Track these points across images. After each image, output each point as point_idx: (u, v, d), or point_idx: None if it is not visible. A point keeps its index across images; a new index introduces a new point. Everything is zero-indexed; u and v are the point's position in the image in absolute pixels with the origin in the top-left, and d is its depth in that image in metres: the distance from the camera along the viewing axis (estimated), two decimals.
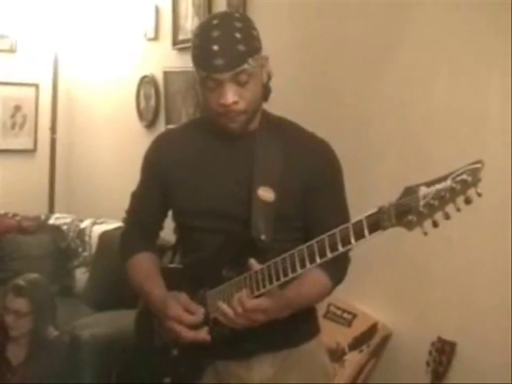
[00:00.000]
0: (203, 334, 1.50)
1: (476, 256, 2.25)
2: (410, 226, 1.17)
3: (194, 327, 1.50)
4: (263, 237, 1.46)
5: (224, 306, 1.40)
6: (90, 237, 4.18)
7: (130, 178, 1.76)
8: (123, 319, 2.81)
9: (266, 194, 1.47)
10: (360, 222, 1.24)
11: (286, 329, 1.49)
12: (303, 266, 1.30)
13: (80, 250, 4.18)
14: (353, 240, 1.24)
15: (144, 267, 1.67)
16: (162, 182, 1.65)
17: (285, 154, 1.54)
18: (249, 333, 1.48)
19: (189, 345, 1.54)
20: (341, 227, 1.28)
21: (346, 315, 2.62)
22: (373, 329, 2.58)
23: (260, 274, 1.38)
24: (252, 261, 1.38)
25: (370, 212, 1.25)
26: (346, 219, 1.45)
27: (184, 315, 1.50)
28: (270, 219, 1.48)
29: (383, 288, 2.53)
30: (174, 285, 1.60)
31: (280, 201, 1.50)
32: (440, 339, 2.39)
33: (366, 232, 1.23)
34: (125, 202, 1.77)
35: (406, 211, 1.17)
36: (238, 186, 1.54)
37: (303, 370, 1.65)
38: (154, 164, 1.67)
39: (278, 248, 1.44)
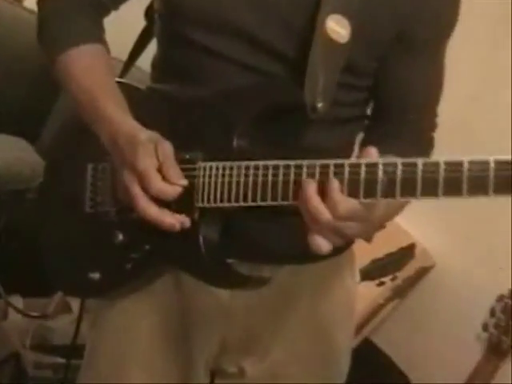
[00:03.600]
0: (173, 218, 1.28)
1: None
2: None
3: (161, 203, 1.29)
4: (320, 105, 1.30)
5: (315, 201, 1.15)
6: None
7: None
8: None
9: (337, 28, 1.31)
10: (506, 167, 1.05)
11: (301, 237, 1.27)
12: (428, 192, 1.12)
13: None
14: (492, 192, 1.05)
15: (98, 71, 1.43)
16: None
17: None
18: (244, 243, 1.36)
19: (145, 233, 1.34)
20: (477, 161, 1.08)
21: None
22: (406, 253, 2.40)
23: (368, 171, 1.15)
24: (373, 150, 1.15)
25: None
26: (438, 97, 1.43)
27: (156, 177, 1.27)
28: (334, 73, 1.32)
29: (439, 203, 2.21)
30: (136, 119, 1.35)
31: (356, 43, 1.33)
32: None
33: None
34: None
35: None
36: (292, 7, 1.34)
37: (313, 300, 1.49)
38: None
39: (330, 118, 1.33)
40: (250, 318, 1.46)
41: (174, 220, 1.28)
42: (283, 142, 1.32)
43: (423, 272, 2.46)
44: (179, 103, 1.41)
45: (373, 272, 2.39)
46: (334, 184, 1.13)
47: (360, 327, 2.36)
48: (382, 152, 1.16)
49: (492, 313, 2.19)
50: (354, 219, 1.17)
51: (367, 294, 2.36)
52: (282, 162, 1.20)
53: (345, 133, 1.40)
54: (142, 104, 1.42)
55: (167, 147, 1.28)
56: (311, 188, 1.15)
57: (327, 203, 1.14)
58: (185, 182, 1.27)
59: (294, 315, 1.48)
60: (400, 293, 2.46)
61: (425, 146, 1.45)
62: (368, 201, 1.14)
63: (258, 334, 1.47)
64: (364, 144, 1.41)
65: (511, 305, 2.16)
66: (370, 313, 2.40)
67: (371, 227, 1.29)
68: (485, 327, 2.20)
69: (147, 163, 1.26)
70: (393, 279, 2.40)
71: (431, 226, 2.46)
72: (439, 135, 1.43)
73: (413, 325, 2.53)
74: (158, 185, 1.26)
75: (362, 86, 1.42)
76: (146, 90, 1.47)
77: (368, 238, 1.41)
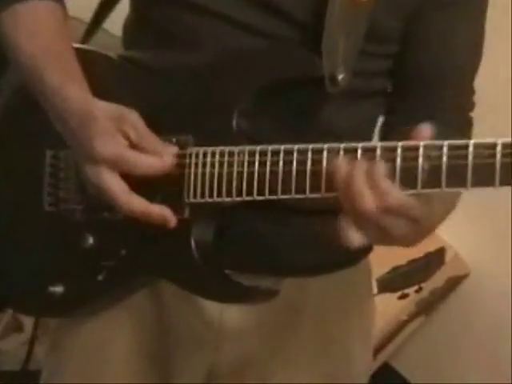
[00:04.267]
0: (164, 210, 1.19)
1: None
2: None
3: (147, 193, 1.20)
4: (340, 76, 1.23)
5: (360, 183, 1.07)
6: None
7: None
8: None
9: None
10: None
11: (308, 246, 1.29)
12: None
13: None
14: None
15: (47, 33, 1.33)
16: None
17: None
18: (245, 249, 1.29)
19: (121, 235, 1.27)
20: None
21: None
22: (435, 259, 2.31)
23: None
24: (426, 129, 1.06)
25: None
26: (477, 68, 1.38)
27: (136, 154, 1.18)
28: (356, 38, 1.27)
29: (474, 199, 2.15)
30: (103, 95, 1.26)
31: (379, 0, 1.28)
32: None
33: None
34: None
35: None
36: None
37: (321, 319, 1.40)
38: None
39: (350, 92, 1.26)
40: (245, 339, 1.36)
41: (165, 211, 1.18)
42: (295, 121, 1.25)
43: (455, 282, 2.40)
44: (161, 74, 1.30)
45: (393, 282, 2.32)
46: (381, 168, 1.05)
47: (377, 349, 2.29)
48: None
49: None
50: (405, 215, 1.05)
51: (386, 309, 2.26)
52: (296, 146, 1.13)
53: (366, 109, 1.32)
54: (112, 75, 1.33)
55: (134, 119, 1.18)
56: (360, 166, 1.06)
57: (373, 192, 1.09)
58: (175, 149, 1.19)
59: (299, 337, 1.38)
60: (426, 308, 2.40)
61: (464, 127, 1.34)
62: (406, 193, 1.06)
63: (254, 358, 1.37)
64: (388, 127, 1.34)
65: None
66: (390, 332, 2.33)
67: (422, 230, 1.15)
68: None
69: (113, 145, 1.16)
70: (418, 291, 2.32)
71: (465, 226, 2.31)
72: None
73: (442, 347, 2.45)
74: (146, 160, 1.16)
75: (387, 52, 1.33)
76: (118, 58, 1.35)
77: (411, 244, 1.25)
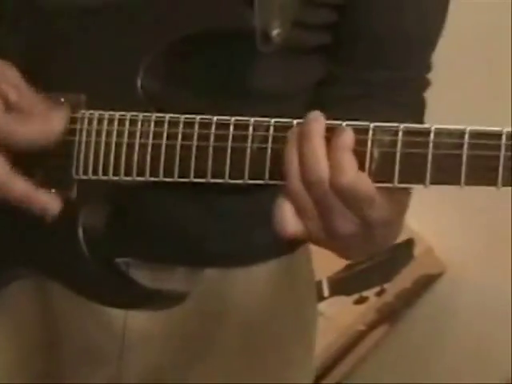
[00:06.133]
0: (50, 196, 1.04)
1: None
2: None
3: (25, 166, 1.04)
4: (275, 32, 1.13)
5: (319, 144, 0.98)
6: None
7: None
8: None
9: None
10: None
11: (230, 228, 1.18)
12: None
13: None
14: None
15: None
16: None
17: None
18: (145, 233, 1.20)
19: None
20: None
21: None
22: (401, 253, 2.22)
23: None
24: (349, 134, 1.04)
25: None
26: (436, 37, 1.28)
27: (9, 119, 1.01)
28: None
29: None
30: None
31: None
32: None
33: None
34: None
35: None
36: None
37: (247, 324, 1.28)
38: None
39: (287, 47, 1.13)
40: (154, 350, 1.26)
41: (50, 198, 1.06)
42: (218, 85, 1.15)
43: (427, 282, 2.28)
44: (46, 11, 1.16)
45: (349, 283, 2.19)
46: (348, 136, 0.95)
47: (328, 368, 2.14)
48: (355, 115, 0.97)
49: None
50: (356, 207, 0.92)
51: (339, 316, 2.12)
52: (215, 118, 1.03)
53: (307, 68, 1.20)
54: None
55: (12, 74, 1.05)
56: (319, 121, 0.96)
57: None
58: (66, 112, 1.09)
59: (219, 349, 1.26)
60: (390, 315, 2.28)
61: (415, 106, 1.21)
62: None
63: (165, 372, 1.26)
64: (319, 103, 1.17)
65: None
66: (344, 346, 2.18)
67: (372, 241, 0.98)
68: None
69: None
70: (379, 294, 2.20)
71: (439, 213, 2.27)
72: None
73: (410, 365, 2.30)
74: (29, 128, 1.03)
75: (332, 1, 1.21)
76: None
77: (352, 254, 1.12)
